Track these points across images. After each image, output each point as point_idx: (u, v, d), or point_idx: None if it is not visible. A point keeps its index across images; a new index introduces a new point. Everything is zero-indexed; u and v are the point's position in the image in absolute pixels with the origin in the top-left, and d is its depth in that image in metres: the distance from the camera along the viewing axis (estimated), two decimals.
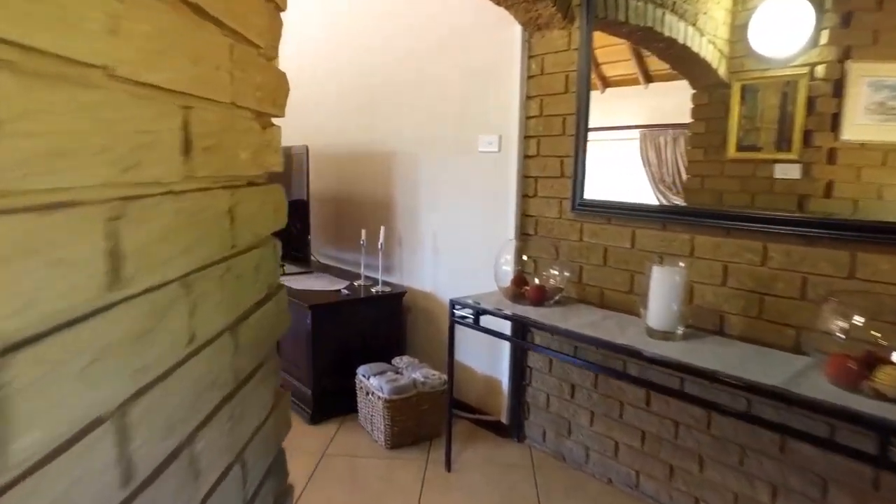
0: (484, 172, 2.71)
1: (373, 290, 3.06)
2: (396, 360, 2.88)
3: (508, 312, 2.10)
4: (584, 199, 2.24)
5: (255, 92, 0.76)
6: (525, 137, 2.51)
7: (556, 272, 2.27)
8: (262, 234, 0.83)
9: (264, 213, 0.83)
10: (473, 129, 2.75)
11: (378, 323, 3.02)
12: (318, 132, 4.00)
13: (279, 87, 0.86)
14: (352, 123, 3.61)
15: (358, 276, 3.29)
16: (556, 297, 2.19)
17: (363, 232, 3.24)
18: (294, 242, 3.46)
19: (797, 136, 1.80)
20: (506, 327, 2.43)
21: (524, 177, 2.53)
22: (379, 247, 3.09)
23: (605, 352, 2.07)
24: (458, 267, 2.90)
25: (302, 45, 4.14)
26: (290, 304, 2.94)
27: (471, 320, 2.24)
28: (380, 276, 3.13)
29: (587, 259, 2.27)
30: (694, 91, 2.05)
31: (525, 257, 2.43)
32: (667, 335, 1.72)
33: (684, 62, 2.13)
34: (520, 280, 2.28)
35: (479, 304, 2.23)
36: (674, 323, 1.73)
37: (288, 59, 4.62)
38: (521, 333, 2.48)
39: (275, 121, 0.89)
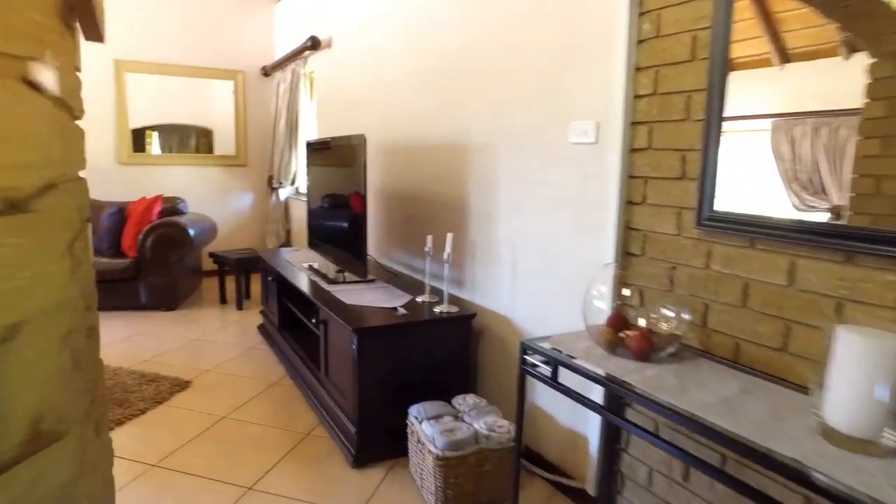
0: (576, 170, 2.10)
1: (436, 309, 2.55)
2: (458, 401, 2.35)
3: (599, 371, 1.49)
4: (716, 211, 1.57)
5: None
6: (632, 124, 1.87)
7: (671, 312, 1.63)
8: None
9: None
10: (563, 114, 2.14)
11: (440, 351, 2.50)
12: (385, 121, 3.55)
13: None
14: (421, 111, 3.11)
15: (423, 289, 2.79)
16: (671, 349, 1.55)
17: (429, 239, 2.73)
18: (351, 246, 3.02)
19: None
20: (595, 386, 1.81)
21: (629, 177, 1.89)
22: (445, 258, 2.57)
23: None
24: (541, 289, 2.31)
25: (364, 27, 3.70)
26: (335, 324, 2.50)
27: (546, 373, 1.65)
28: (445, 294, 2.61)
29: (716, 295, 1.61)
30: (872, 61, 1.33)
31: (627, 291, 1.79)
32: (865, 445, 1.05)
33: (865, 18, 1.41)
34: (618, 321, 1.65)
35: (558, 350, 1.64)
36: (877, 425, 1.05)
37: (349, 41, 4.24)
38: (617, 402, 1.84)
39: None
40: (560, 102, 2.15)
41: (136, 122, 5.45)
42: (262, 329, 4.06)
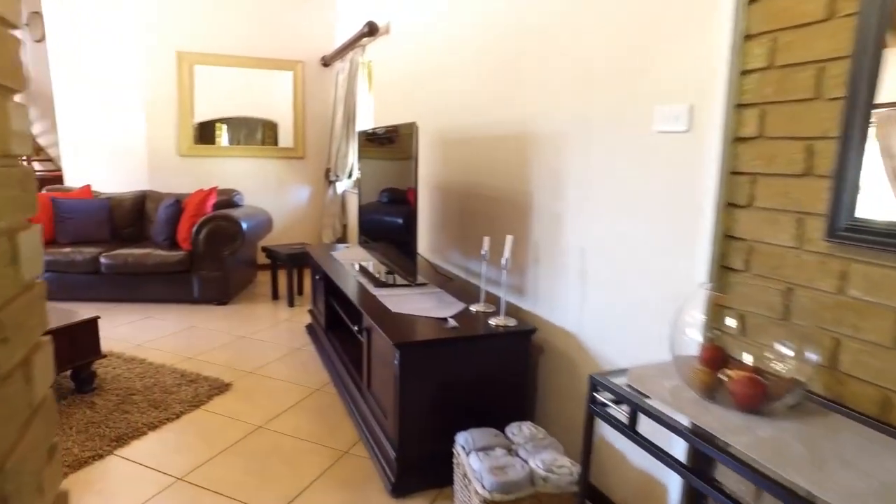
0: (662, 164, 1.74)
1: (491, 322, 2.25)
2: (513, 430, 2.04)
3: (685, 423, 1.15)
4: (860, 219, 1.19)
5: None
6: (736, 107, 1.49)
7: (789, 349, 1.26)
8: None
9: None
10: (647, 97, 1.78)
11: (494, 370, 2.19)
12: (443, 110, 3.26)
13: None
14: (482, 97, 2.80)
15: (478, 296, 2.50)
16: (790, 399, 1.19)
17: (486, 240, 2.43)
18: (399, 247, 2.76)
19: None
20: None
21: (731, 173, 1.52)
22: (503, 264, 2.26)
23: None
24: (615, 304, 1.96)
25: (422, 9, 3.42)
26: (378, 334, 2.25)
27: (621, 416, 1.32)
28: (502, 304, 2.30)
29: (855, 330, 1.22)
30: None
31: (733, 321, 1.42)
32: None
33: None
34: (715, 356, 1.30)
35: (637, 391, 1.31)
36: None
37: (407, 26, 3.97)
38: (705, 457, 1.46)
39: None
40: (643, 82, 1.79)
41: (205, 115, 5.44)
42: (310, 329, 3.89)
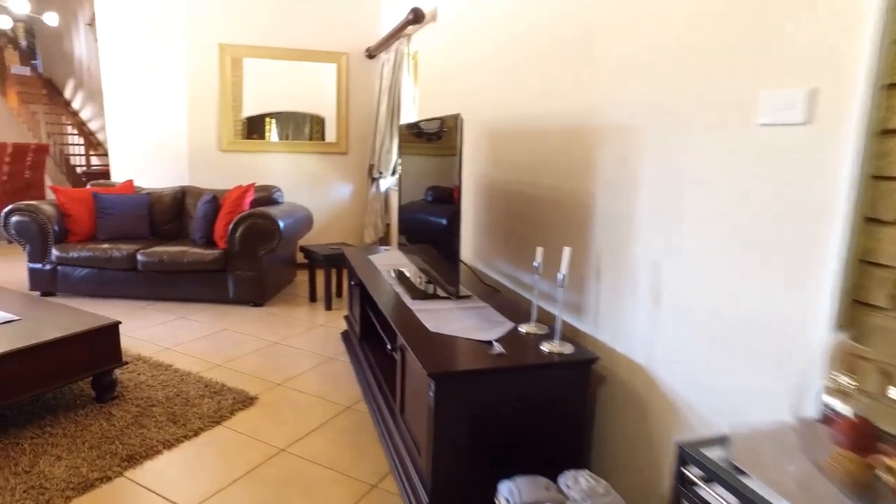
0: (767, 165, 1.36)
1: (544, 347, 1.91)
2: (567, 480, 1.70)
3: None
4: None
5: None
6: (886, 88, 1.11)
7: None
8: None
9: None
10: (747, 79, 1.40)
11: (545, 405, 1.86)
12: (495, 101, 2.94)
13: None
14: (539, 85, 2.46)
15: (529, 314, 2.17)
16: None
17: (539, 251, 2.09)
18: (439, 254, 2.46)
19: None
20: None
21: (872, 177, 1.14)
22: (558, 280, 1.92)
23: None
24: (695, 334, 1.59)
25: None
26: (411, 357, 1.95)
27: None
28: (557, 327, 1.96)
29: None
30: None
31: None
32: None
33: None
34: (860, 434, 0.93)
35: (744, 472, 0.96)
36: None
37: (455, 11, 3.63)
38: None
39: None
40: (741, 61, 1.41)
41: (255, 109, 5.30)
42: (345, 337, 3.64)
